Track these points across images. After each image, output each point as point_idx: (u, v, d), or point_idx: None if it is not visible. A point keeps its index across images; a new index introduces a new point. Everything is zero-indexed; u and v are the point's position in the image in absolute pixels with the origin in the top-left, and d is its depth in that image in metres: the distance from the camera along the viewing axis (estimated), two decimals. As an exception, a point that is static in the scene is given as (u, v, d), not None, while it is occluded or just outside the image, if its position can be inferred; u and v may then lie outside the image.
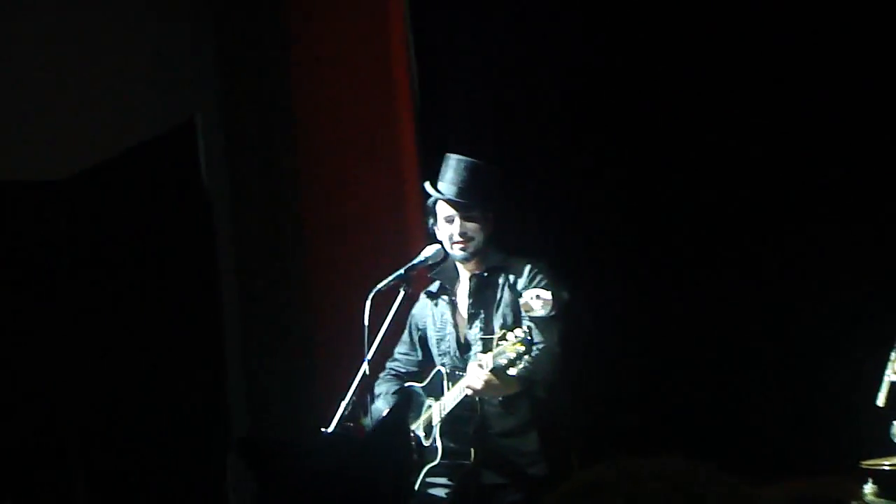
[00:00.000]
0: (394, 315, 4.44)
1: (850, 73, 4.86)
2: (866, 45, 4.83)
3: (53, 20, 6.47)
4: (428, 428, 4.50)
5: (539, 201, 5.33)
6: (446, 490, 4.45)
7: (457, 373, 4.45)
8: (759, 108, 5.06)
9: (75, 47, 6.51)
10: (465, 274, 4.56)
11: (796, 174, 5.03)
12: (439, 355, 4.59)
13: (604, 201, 5.34)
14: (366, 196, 5.98)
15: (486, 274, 4.50)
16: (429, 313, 4.65)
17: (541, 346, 4.23)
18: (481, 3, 5.52)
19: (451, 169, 4.50)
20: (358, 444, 4.33)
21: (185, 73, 6.56)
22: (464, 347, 4.52)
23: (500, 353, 4.10)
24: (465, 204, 4.46)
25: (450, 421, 4.42)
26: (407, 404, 4.58)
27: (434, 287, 4.64)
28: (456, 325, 4.55)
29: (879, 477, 3.81)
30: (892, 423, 3.89)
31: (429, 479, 4.46)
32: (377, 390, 4.67)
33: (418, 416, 4.56)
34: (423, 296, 4.69)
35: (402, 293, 4.47)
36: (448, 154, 4.57)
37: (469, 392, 4.29)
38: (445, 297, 4.60)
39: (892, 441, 3.88)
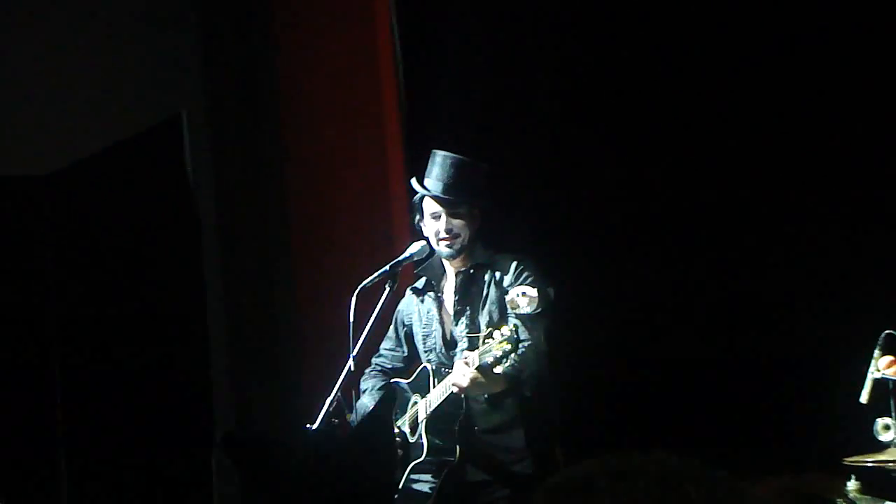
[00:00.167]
0: (379, 311, 4.44)
1: (850, 72, 4.86)
2: (867, 45, 4.84)
3: (39, 18, 6.45)
4: (414, 424, 4.50)
5: (525, 198, 5.34)
6: (431, 486, 4.45)
7: (443, 369, 4.45)
8: (739, 100, 5.07)
9: (61, 45, 6.49)
10: (451, 270, 4.56)
11: (765, 172, 5.05)
12: (425, 352, 4.59)
13: (590, 198, 5.35)
14: (352, 192, 5.98)
15: (472, 270, 4.50)
16: (415, 309, 4.65)
17: (527, 343, 4.24)
18: (467, 0, 5.53)
19: (438, 165, 4.50)
20: (343, 440, 4.34)
21: (170, 71, 6.55)
22: (450, 344, 4.52)
23: (486, 351, 4.10)
24: (451, 200, 4.46)
25: (435, 417, 4.42)
26: (392, 401, 4.59)
27: (420, 283, 4.64)
28: (442, 322, 4.56)
29: (863, 474, 3.83)
30: (875, 421, 3.91)
31: (414, 476, 4.46)
32: (362, 386, 4.68)
33: (404, 412, 4.57)
34: (409, 292, 4.69)
35: (387, 290, 4.47)
36: (434, 150, 4.57)
37: (455, 390, 4.30)
38: (431, 294, 4.60)
39: (875, 438, 3.90)
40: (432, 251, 4.54)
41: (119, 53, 6.54)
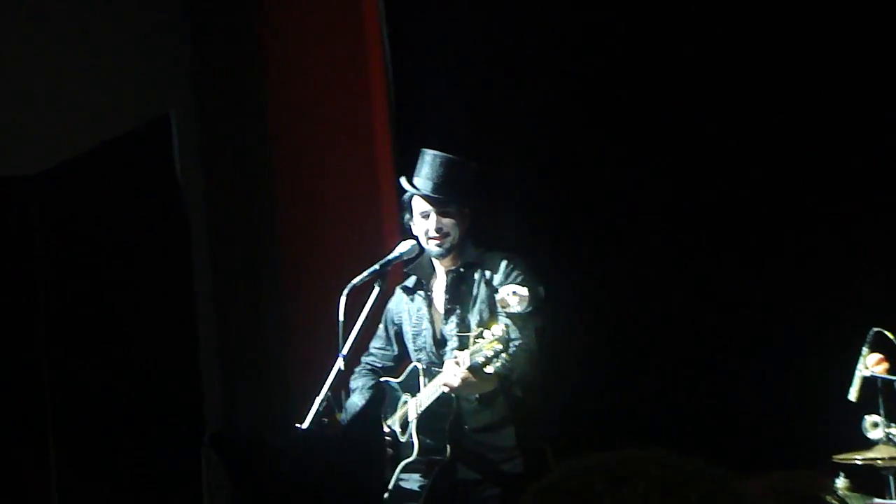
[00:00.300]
0: (369, 311, 4.43)
1: (849, 73, 4.86)
2: (867, 45, 4.84)
3: (29, 18, 6.44)
4: (404, 423, 4.50)
5: (515, 197, 5.34)
6: (421, 485, 4.44)
7: (433, 369, 4.45)
8: (738, 100, 5.07)
9: (50, 44, 6.48)
10: (441, 269, 4.56)
11: (763, 172, 5.05)
12: (415, 351, 4.59)
13: (581, 196, 5.35)
14: (341, 191, 5.97)
15: (462, 269, 4.50)
16: (405, 308, 4.64)
17: (518, 343, 4.24)
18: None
19: (427, 164, 4.50)
20: (333, 440, 4.33)
21: (159, 70, 6.54)
22: (440, 343, 4.51)
23: (477, 351, 4.09)
24: (441, 199, 4.46)
25: (426, 417, 4.42)
26: (382, 400, 4.58)
27: (410, 282, 4.64)
28: (432, 321, 4.55)
29: (851, 471, 3.83)
30: (863, 418, 3.92)
31: (404, 475, 4.46)
32: (352, 385, 4.67)
33: (394, 411, 4.56)
34: (398, 290, 4.68)
35: (376, 289, 4.47)
36: (424, 149, 4.56)
37: (446, 389, 4.29)
38: (421, 293, 4.59)
39: (864, 436, 3.91)
40: (422, 250, 4.53)
41: (107, 53, 6.53)
